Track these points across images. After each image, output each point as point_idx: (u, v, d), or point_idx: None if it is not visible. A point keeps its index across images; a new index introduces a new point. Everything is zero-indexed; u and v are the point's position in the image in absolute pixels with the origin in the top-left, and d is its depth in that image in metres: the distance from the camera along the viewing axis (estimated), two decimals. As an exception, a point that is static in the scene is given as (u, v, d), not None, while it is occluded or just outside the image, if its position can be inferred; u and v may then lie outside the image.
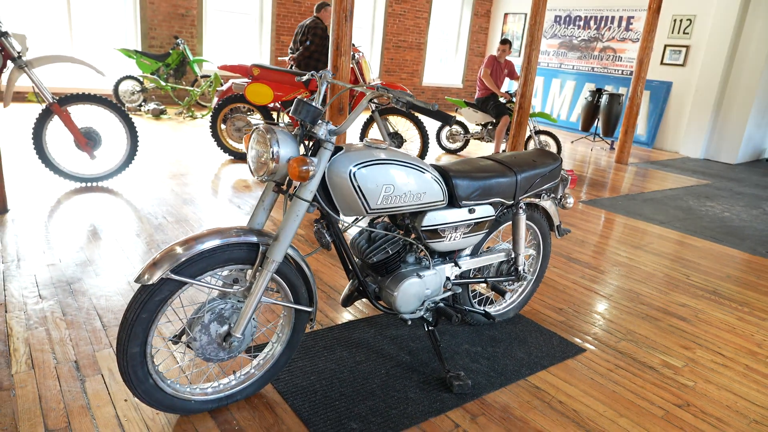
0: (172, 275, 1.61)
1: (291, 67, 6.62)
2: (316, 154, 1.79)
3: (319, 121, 1.77)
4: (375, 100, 5.36)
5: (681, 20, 9.59)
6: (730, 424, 2.14)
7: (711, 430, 2.09)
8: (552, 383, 2.29)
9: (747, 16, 8.84)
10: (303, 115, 1.73)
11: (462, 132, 7.48)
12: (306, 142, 1.84)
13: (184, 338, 1.80)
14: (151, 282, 1.58)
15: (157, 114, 7.83)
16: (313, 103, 1.75)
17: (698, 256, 4.17)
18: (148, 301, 1.61)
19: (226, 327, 1.80)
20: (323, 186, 1.86)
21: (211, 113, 5.71)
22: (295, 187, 1.83)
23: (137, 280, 1.59)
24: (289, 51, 6.72)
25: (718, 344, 2.80)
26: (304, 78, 2.03)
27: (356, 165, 1.83)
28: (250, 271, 1.82)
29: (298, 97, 1.73)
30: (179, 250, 1.65)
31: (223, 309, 1.79)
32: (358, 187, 1.83)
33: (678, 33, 9.66)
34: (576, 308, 3.05)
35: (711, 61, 9.10)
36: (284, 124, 1.77)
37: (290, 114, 1.73)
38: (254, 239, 1.75)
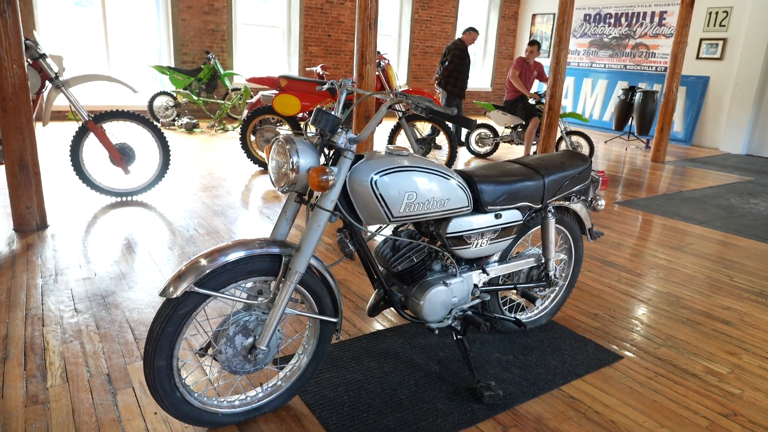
0: (196, 288, 1.62)
1: (437, 85, 7.75)
2: (337, 163, 1.78)
3: (339, 130, 1.75)
4: (401, 108, 5.35)
5: (717, 12, 9.27)
6: (780, 435, 2.02)
7: (760, 442, 1.98)
8: (588, 392, 2.21)
9: (788, 5, 8.48)
10: (322, 125, 1.72)
11: (491, 135, 7.39)
12: (326, 152, 1.83)
13: (210, 351, 1.81)
14: (175, 295, 1.59)
15: (190, 128, 8.01)
16: (333, 112, 1.74)
17: (742, 256, 3.99)
18: (172, 315, 1.62)
19: (251, 339, 1.79)
20: (345, 195, 1.84)
21: (240, 125, 5.80)
22: (316, 197, 1.82)
23: (162, 294, 1.61)
24: (436, 73, 7.76)
25: (766, 349, 2.66)
26: (325, 87, 2.02)
27: (377, 173, 1.81)
28: (274, 283, 1.81)
29: (317, 106, 1.73)
30: (203, 262, 1.66)
31: (247, 321, 1.78)
32: (380, 195, 1.81)
33: (714, 26, 9.34)
34: (612, 313, 2.95)
35: (750, 53, 8.76)
36: (312, 134, 1.77)
37: (310, 124, 1.72)
38: (276, 250, 1.75)
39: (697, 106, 9.60)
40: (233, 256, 1.69)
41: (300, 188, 1.78)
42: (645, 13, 10.45)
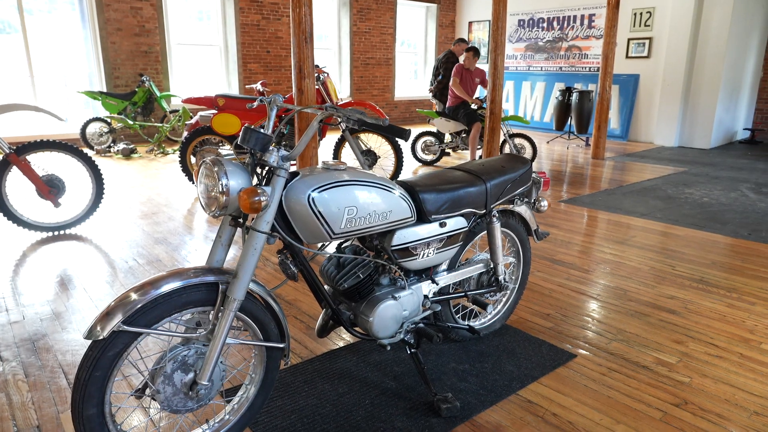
0: (125, 327, 1.50)
1: (432, 97, 7.96)
2: (270, 182, 1.70)
3: (270, 148, 1.68)
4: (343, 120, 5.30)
5: (641, 13, 9.72)
6: (730, 419, 2.07)
7: (712, 428, 2.01)
8: (544, 395, 2.20)
9: (704, 3, 8.98)
10: (252, 144, 1.64)
11: (437, 142, 7.45)
12: (260, 171, 1.75)
13: (147, 391, 1.68)
14: (101, 337, 1.47)
15: (128, 153, 7.70)
16: (262, 130, 1.66)
17: (682, 245, 4.13)
18: (100, 358, 1.50)
19: (191, 375, 1.68)
20: (282, 214, 1.77)
21: (179, 148, 5.61)
22: (252, 219, 1.73)
23: (87, 336, 1.48)
24: (429, 84, 8.02)
25: (710, 335, 2.73)
26: (255, 104, 1.95)
27: (314, 189, 1.75)
28: (213, 313, 1.71)
29: (246, 125, 1.65)
30: (133, 297, 1.54)
31: (186, 356, 1.67)
32: (319, 212, 1.75)
33: (639, 26, 9.78)
34: (563, 312, 2.97)
35: (674, 50, 9.22)
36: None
37: (239, 143, 1.65)
38: (212, 278, 1.65)
39: (631, 103, 10.00)
40: (166, 288, 1.58)
41: (233, 211, 1.69)
42: (575, 17, 10.84)
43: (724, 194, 5.82)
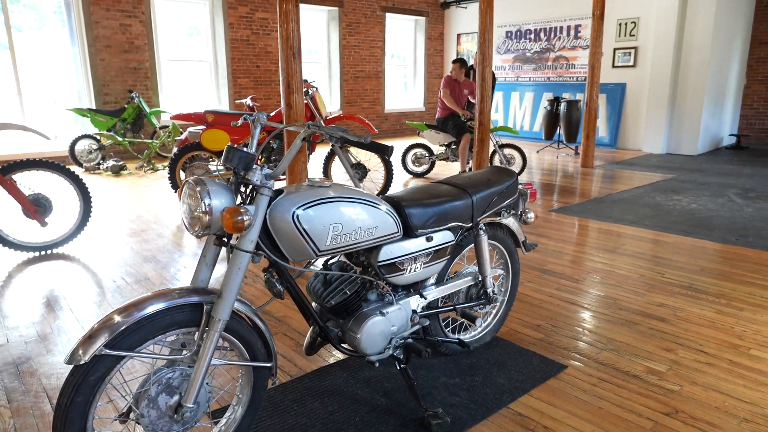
0: (107, 350, 1.49)
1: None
2: (254, 201, 1.70)
3: (254, 167, 1.68)
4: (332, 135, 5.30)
5: (626, 23, 9.85)
6: (720, 427, 2.06)
7: (703, 438, 2.01)
8: (535, 408, 2.19)
9: (687, 12, 9.11)
10: (235, 162, 1.64)
11: (426, 154, 7.47)
12: (244, 190, 1.74)
13: (132, 415, 1.66)
14: (83, 361, 1.45)
15: (117, 171, 7.67)
16: (246, 149, 1.66)
17: (671, 252, 4.15)
18: (82, 383, 1.48)
19: (176, 397, 1.66)
20: (267, 233, 1.76)
21: (169, 164, 5.60)
22: (237, 238, 1.73)
23: (69, 361, 1.46)
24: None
25: (699, 342, 2.74)
26: (239, 122, 1.94)
27: (299, 207, 1.74)
28: (198, 334, 1.69)
29: (229, 144, 1.65)
30: (116, 319, 1.53)
31: (171, 378, 1.65)
32: (304, 229, 1.74)
33: (625, 36, 9.91)
34: (554, 323, 2.97)
35: (660, 59, 9.33)
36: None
37: (222, 162, 1.64)
38: (196, 299, 1.64)
39: (618, 112, 10.10)
40: (150, 310, 1.57)
41: (217, 230, 1.68)
42: (561, 28, 10.96)
43: (711, 200, 5.87)
